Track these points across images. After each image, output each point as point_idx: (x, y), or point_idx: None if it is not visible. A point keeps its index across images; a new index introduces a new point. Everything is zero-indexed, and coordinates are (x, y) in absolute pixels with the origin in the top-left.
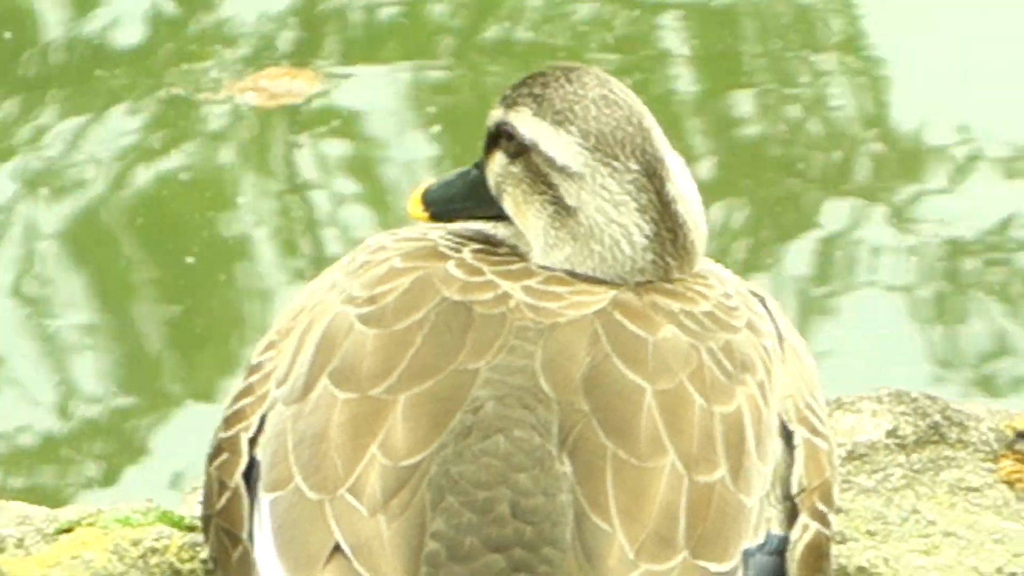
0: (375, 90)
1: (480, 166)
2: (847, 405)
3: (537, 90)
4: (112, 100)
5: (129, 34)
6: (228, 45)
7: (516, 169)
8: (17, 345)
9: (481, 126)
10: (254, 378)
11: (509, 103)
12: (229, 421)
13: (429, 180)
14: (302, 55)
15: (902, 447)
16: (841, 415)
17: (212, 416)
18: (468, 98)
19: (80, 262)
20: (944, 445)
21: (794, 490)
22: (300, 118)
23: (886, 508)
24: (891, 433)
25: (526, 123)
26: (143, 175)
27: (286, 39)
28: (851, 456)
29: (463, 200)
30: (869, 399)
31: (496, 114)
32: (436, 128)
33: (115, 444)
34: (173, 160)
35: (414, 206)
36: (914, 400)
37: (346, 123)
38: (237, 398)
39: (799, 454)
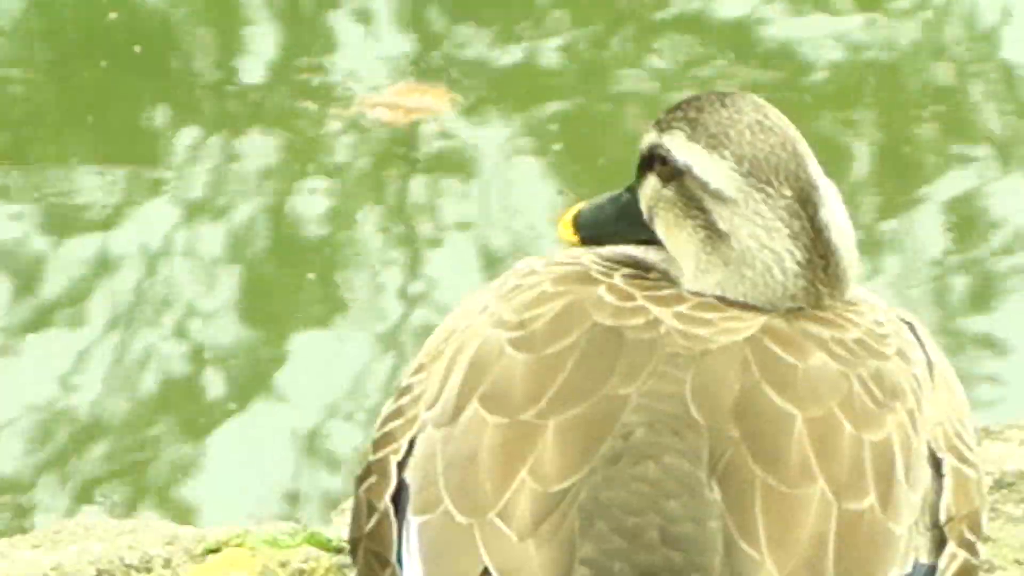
0: (505, 110)
1: (632, 189)
2: (995, 433)
3: (692, 114)
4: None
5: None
6: (359, 60)
7: (669, 193)
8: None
9: (602, 149)
10: (404, 400)
11: (663, 127)
12: (378, 444)
13: (580, 204)
14: (432, 72)
15: None
16: (990, 443)
17: None
18: (590, 122)
19: (216, 276)
20: None
21: (943, 518)
22: (430, 134)
23: None
24: None
25: (680, 147)
26: (276, 190)
27: (416, 56)
28: (999, 484)
29: (614, 223)
30: (1018, 427)
31: (650, 137)
32: (557, 146)
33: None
34: (306, 175)
35: (564, 229)
36: None
37: (475, 143)
38: (386, 420)
39: (948, 482)
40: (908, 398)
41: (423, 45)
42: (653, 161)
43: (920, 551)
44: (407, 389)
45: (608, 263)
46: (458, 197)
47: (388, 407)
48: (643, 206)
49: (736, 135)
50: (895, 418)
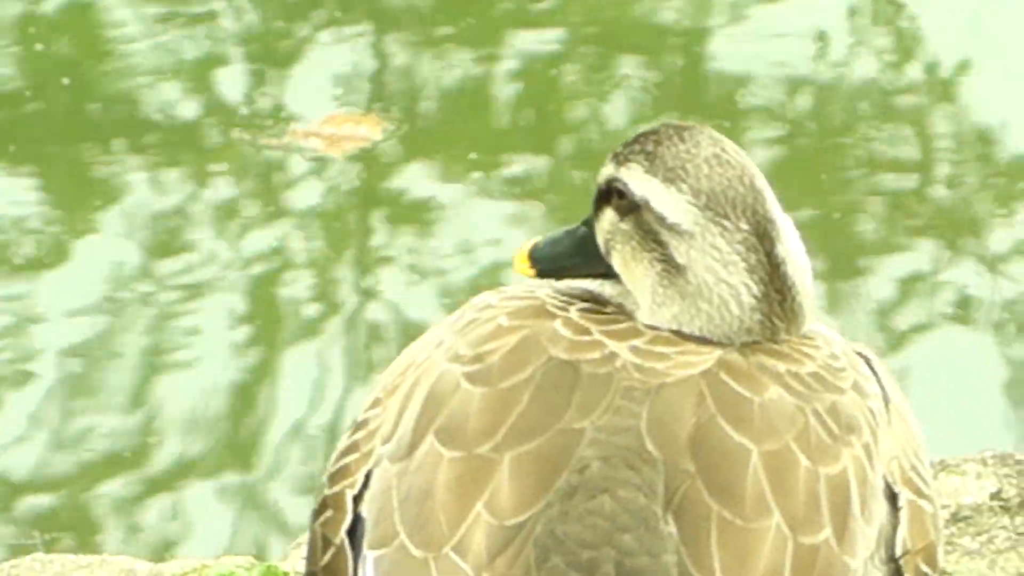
0: (437, 138)
1: (589, 223)
2: (951, 467)
3: (649, 147)
4: (178, 147)
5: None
6: (292, 91)
7: (626, 226)
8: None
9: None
10: (360, 435)
11: (621, 160)
12: (334, 477)
13: (536, 238)
14: (365, 101)
15: (1006, 509)
16: (945, 477)
17: None
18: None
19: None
20: None
21: (898, 552)
22: (366, 164)
23: (990, 570)
24: (995, 495)
25: (637, 180)
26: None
27: (350, 85)
28: (955, 518)
29: (571, 257)
30: (973, 461)
31: (607, 171)
32: (477, 175)
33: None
34: (241, 206)
35: (521, 263)
36: (1019, 462)
37: (411, 172)
38: (343, 455)
39: (904, 516)
40: (864, 432)
41: (354, 74)
42: (610, 194)
43: None
44: (363, 423)
45: (564, 297)
46: (404, 228)
47: (344, 441)
48: (600, 240)
49: (694, 169)
50: (851, 452)
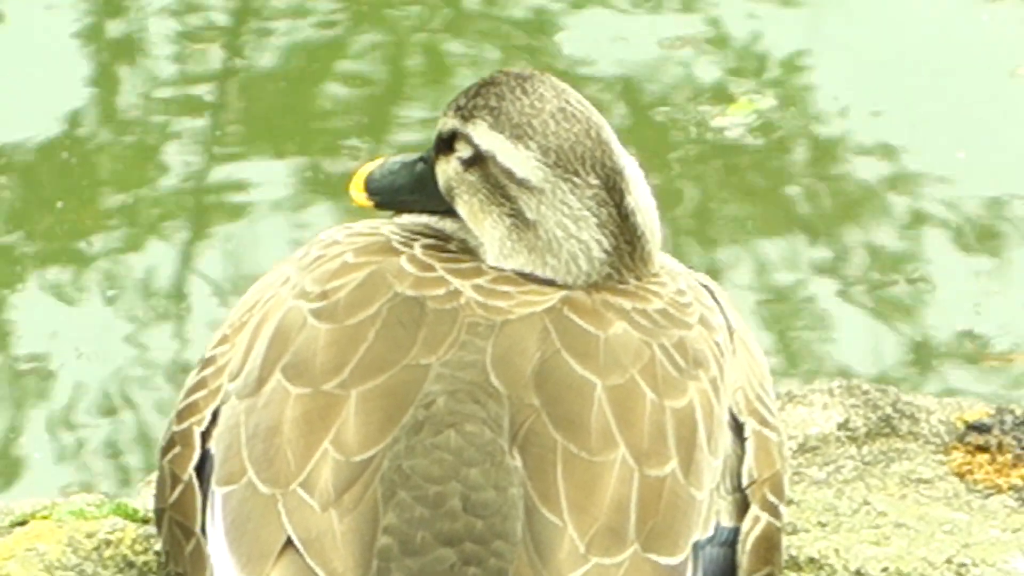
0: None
1: (427, 160)
2: (799, 398)
3: (493, 102)
4: None
5: None
6: None
7: (472, 178)
8: None
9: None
10: (207, 372)
11: (464, 115)
12: (182, 414)
13: (370, 164)
14: None
15: (853, 439)
16: (792, 407)
17: None
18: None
19: None
20: (895, 437)
21: (745, 482)
22: None
23: (837, 500)
24: (842, 425)
25: (483, 136)
26: None
27: None
28: (803, 448)
29: (410, 193)
30: (820, 391)
31: (450, 123)
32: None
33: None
34: None
35: (357, 192)
36: (865, 392)
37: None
38: (190, 391)
39: (749, 446)
40: (711, 366)
41: None
42: (453, 143)
43: (722, 514)
44: (211, 360)
45: (408, 233)
46: None
47: (192, 378)
48: (442, 183)
49: (540, 125)
50: (698, 385)
